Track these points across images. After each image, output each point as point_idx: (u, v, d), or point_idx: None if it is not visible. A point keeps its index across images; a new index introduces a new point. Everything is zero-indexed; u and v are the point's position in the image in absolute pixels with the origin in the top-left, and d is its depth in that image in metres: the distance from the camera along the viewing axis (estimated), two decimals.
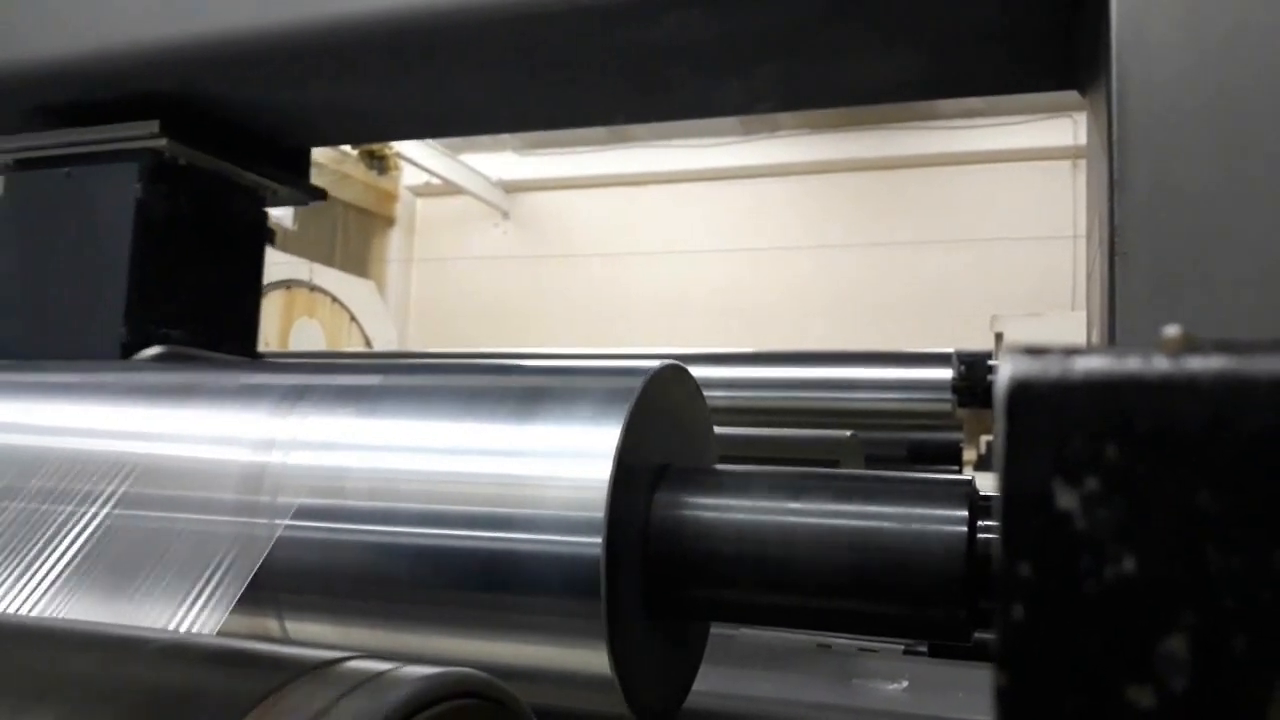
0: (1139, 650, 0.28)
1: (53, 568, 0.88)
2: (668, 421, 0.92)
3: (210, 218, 1.53)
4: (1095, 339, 1.18)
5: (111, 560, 0.91)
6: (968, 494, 0.81)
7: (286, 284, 6.74)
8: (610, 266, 9.38)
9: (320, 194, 1.72)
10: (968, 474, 3.70)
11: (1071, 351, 0.29)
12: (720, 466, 0.92)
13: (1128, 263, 1.04)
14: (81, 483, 0.96)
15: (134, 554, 0.91)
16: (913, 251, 8.87)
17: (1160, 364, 0.28)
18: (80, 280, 1.43)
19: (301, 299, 6.95)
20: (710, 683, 1.03)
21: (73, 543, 0.92)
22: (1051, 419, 0.28)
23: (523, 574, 0.82)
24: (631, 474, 0.84)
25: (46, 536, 0.90)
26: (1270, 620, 0.26)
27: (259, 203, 1.64)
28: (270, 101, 1.53)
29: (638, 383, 0.87)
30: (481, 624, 0.84)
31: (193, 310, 1.50)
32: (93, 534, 0.93)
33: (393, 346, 7.11)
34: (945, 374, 3.26)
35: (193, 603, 0.85)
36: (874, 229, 9.07)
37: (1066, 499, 0.30)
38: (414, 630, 0.86)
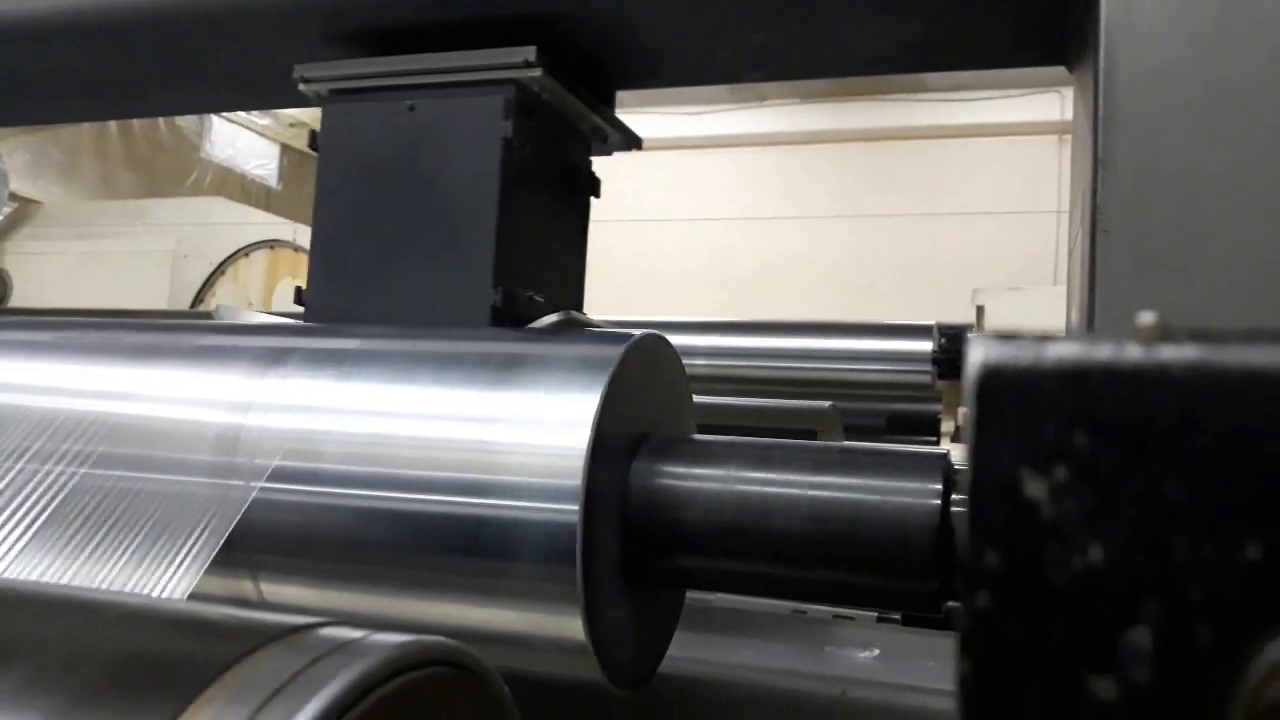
0: (1103, 641, 0.28)
1: (20, 526, 0.87)
2: (647, 390, 0.92)
3: (556, 164, 1.32)
4: (1075, 317, 1.18)
5: (82, 520, 0.90)
6: (942, 467, 0.82)
7: (270, 244, 6.68)
8: (593, 232, 9.30)
9: (638, 141, 1.49)
10: (945, 446, 3.74)
11: (1043, 337, 0.28)
12: (698, 436, 0.93)
13: (1110, 241, 1.04)
14: (52, 442, 0.95)
15: (105, 514, 0.90)
16: (897, 224, 8.87)
17: (1132, 352, 0.27)
18: (431, 235, 1.19)
19: (286, 259, 6.90)
20: (684, 648, 1.04)
21: (41, 501, 0.91)
22: (1021, 406, 0.28)
23: (499, 540, 0.82)
24: (610, 442, 0.84)
25: (14, 495, 0.90)
26: (1235, 613, 0.26)
27: (588, 149, 1.43)
28: (649, 33, 1.33)
29: (617, 351, 0.86)
30: (458, 589, 0.84)
31: (546, 270, 1.28)
32: (62, 493, 0.92)
33: None
34: (926, 346, 3.28)
35: (166, 563, 0.84)
36: (860, 200, 9.05)
37: (1034, 487, 0.29)
38: (390, 594, 0.86)
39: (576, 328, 1.16)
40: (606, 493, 0.84)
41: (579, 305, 1.37)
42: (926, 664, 1.15)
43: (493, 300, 1.12)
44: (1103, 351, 0.27)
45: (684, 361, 2.97)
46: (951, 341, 3.27)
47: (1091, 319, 1.05)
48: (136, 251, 5.96)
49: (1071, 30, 1.29)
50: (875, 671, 1.14)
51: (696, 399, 1.84)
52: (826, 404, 1.69)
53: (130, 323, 1.11)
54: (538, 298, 1.19)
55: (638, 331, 0.90)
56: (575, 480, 0.80)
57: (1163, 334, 0.27)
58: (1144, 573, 0.27)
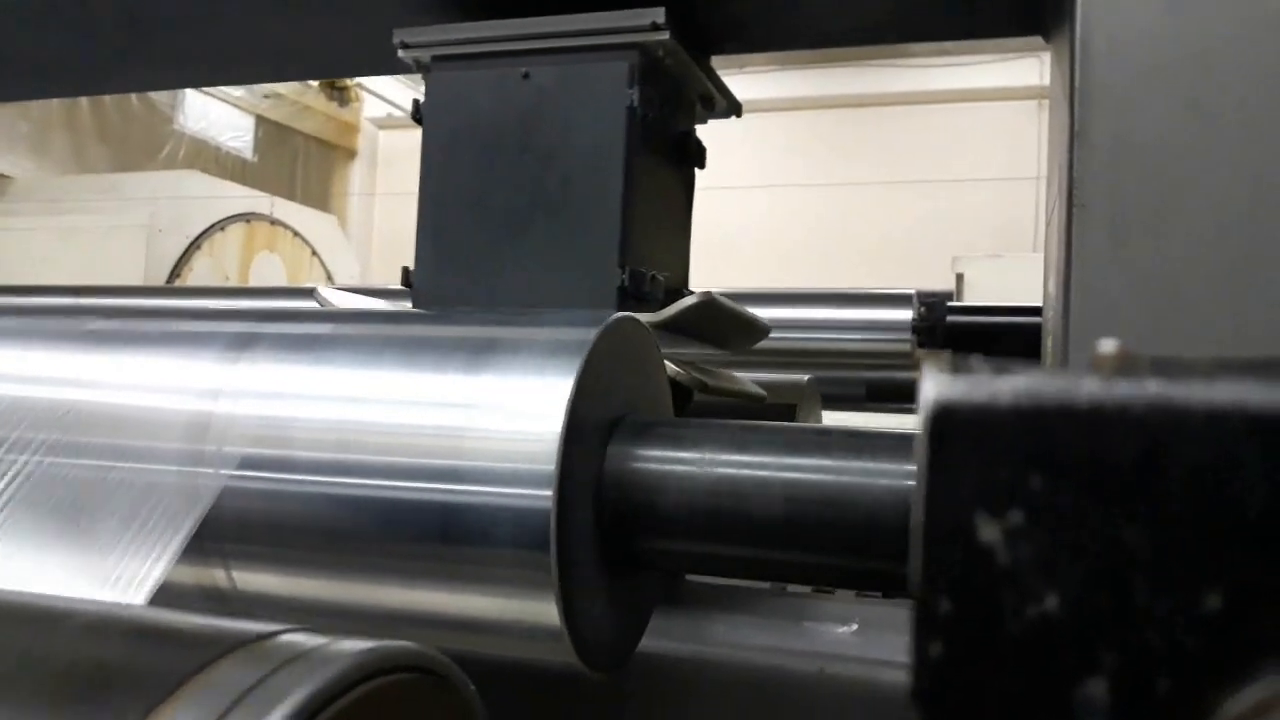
0: (1059, 692, 0.27)
1: None
2: (622, 372, 0.91)
3: (672, 133, 1.25)
4: (1052, 289, 1.18)
5: (49, 510, 0.89)
6: None
7: (246, 217, 6.63)
8: None
9: (739, 108, 1.42)
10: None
11: (999, 370, 0.27)
12: (673, 419, 0.92)
13: (1086, 214, 1.04)
14: (16, 429, 0.94)
15: (72, 503, 0.89)
16: (877, 191, 8.86)
17: (1091, 388, 0.26)
18: (550, 212, 1.12)
19: (262, 233, 6.85)
20: (659, 624, 1.04)
21: (4, 492, 0.90)
22: (975, 447, 0.26)
23: (473, 526, 0.81)
24: (584, 426, 0.84)
25: None
26: (1196, 664, 0.25)
27: (695, 116, 1.36)
28: None
29: (591, 334, 0.86)
30: (432, 576, 0.84)
31: (662, 246, 1.22)
32: (27, 482, 0.91)
33: (355, 282, 7.04)
34: (905, 315, 3.28)
35: (136, 554, 0.83)
36: (837, 168, 9.04)
37: (989, 532, 0.28)
38: (363, 582, 0.86)
39: (715, 309, 1.12)
40: (581, 477, 0.84)
41: (687, 280, 1.34)
42: (905, 638, 1.16)
43: (620, 281, 1.08)
44: (1060, 388, 0.25)
45: None
46: (931, 310, 3.28)
47: (1068, 292, 1.05)
48: (110, 226, 5.91)
49: (1048, 1, 1.28)
50: (854, 647, 1.15)
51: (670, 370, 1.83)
52: (805, 378, 1.69)
53: (98, 307, 1.09)
54: (659, 276, 1.15)
55: (612, 314, 0.89)
56: (549, 465, 0.80)
57: (1124, 365, 0.26)
58: (1102, 622, 0.26)
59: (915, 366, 3.52)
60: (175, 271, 6.01)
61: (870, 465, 0.81)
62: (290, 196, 8.12)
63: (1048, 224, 1.31)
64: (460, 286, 1.14)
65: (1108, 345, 0.28)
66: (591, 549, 0.85)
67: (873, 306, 3.43)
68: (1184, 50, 1.03)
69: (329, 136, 10.20)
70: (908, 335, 3.24)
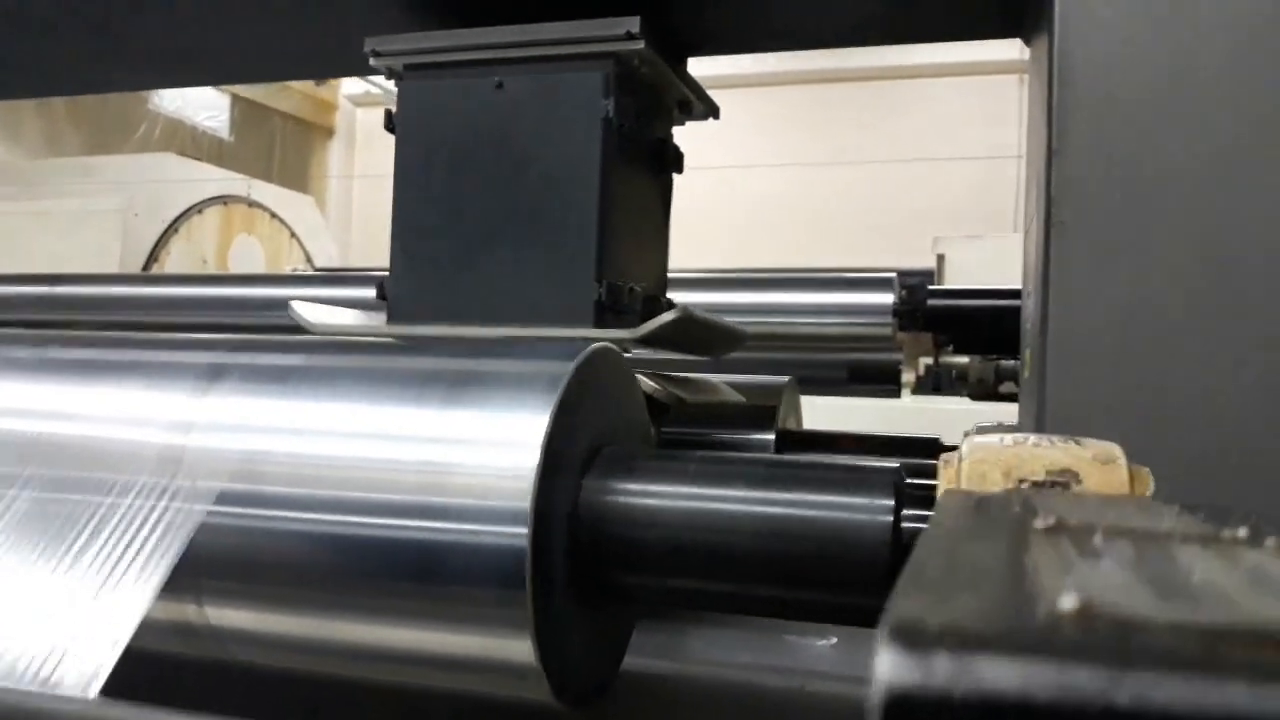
0: None
1: None
2: (598, 402, 0.90)
3: (648, 141, 1.23)
4: (1031, 308, 1.18)
5: (23, 547, 0.88)
6: (894, 482, 0.81)
7: (223, 200, 6.58)
8: None
9: (717, 110, 1.40)
10: (906, 395, 3.76)
11: (963, 639, 0.25)
12: (650, 450, 0.91)
13: (1064, 232, 1.03)
14: None
15: (47, 541, 0.88)
16: (854, 170, 8.83)
17: (1061, 681, 0.23)
18: (525, 225, 1.10)
19: (240, 215, 6.80)
20: (642, 641, 1.04)
21: None
22: None
23: (447, 564, 0.81)
24: (560, 460, 0.83)
25: None
26: None
27: (672, 122, 1.35)
28: None
29: (567, 367, 0.85)
30: (405, 613, 0.83)
31: (639, 255, 1.21)
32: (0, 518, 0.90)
33: (335, 264, 6.99)
34: (887, 299, 3.28)
35: (115, 592, 0.83)
36: (815, 145, 9.00)
37: None
38: (337, 619, 0.85)
39: (691, 323, 1.11)
40: (556, 512, 0.83)
41: (664, 289, 1.34)
42: None
43: (597, 295, 1.07)
44: (1021, 679, 0.23)
45: None
46: (913, 293, 3.28)
47: (1046, 308, 1.05)
48: (85, 211, 5.85)
49: (1028, 7, 1.27)
50: (834, 662, 1.15)
51: (647, 376, 1.82)
52: (784, 379, 1.68)
53: (68, 336, 1.08)
54: (636, 288, 1.14)
55: (589, 345, 0.88)
56: (524, 502, 0.79)
57: (1085, 624, 0.25)
58: None
59: (898, 348, 3.54)
60: (152, 256, 5.95)
61: (847, 500, 0.80)
62: (268, 177, 8.05)
63: (1025, 234, 1.31)
64: (434, 300, 1.12)
65: (1069, 601, 0.26)
66: (568, 584, 0.84)
67: (854, 291, 3.43)
68: (1165, 66, 1.03)
69: (306, 115, 10.10)
70: (889, 319, 3.24)
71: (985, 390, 3.82)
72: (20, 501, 0.91)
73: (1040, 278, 1.07)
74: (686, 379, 1.50)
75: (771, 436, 1.54)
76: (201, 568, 0.87)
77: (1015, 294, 3.22)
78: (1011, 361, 3.65)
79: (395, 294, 1.14)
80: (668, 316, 1.07)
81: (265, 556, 0.86)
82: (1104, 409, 1.00)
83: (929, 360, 4.24)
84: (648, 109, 1.22)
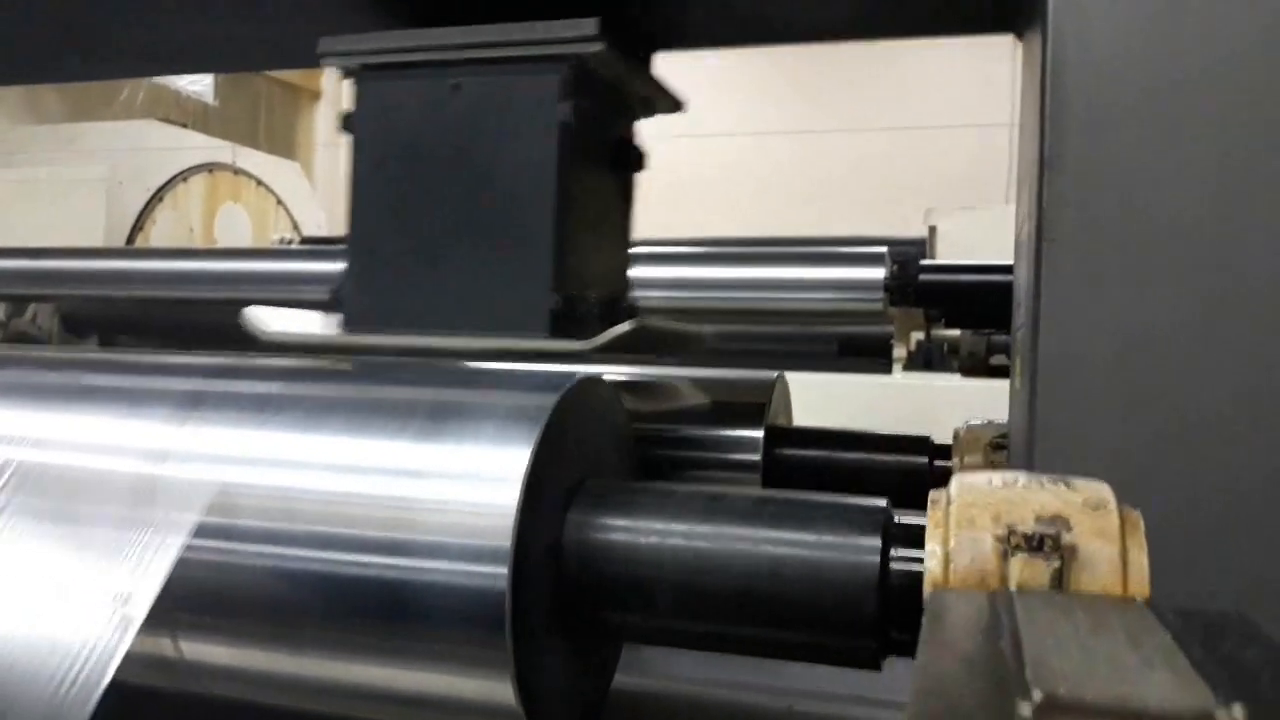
0: None
1: None
2: (583, 435, 0.89)
3: (608, 141, 1.21)
4: (1023, 318, 1.16)
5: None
6: (882, 521, 0.80)
7: (209, 167, 6.52)
8: None
9: (681, 104, 1.37)
10: (897, 371, 3.75)
11: None
12: (634, 484, 0.90)
13: (1055, 249, 1.01)
14: None
15: (24, 570, 0.87)
16: (848, 137, 8.76)
17: None
18: (480, 231, 1.08)
19: (225, 183, 6.74)
20: (629, 660, 1.02)
21: None
22: None
23: (425, 603, 0.79)
24: (542, 495, 0.81)
25: None
26: None
27: (634, 120, 1.32)
28: None
29: (550, 400, 0.83)
30: (382, 652, 0.82)
31: (598, 258, 1.18)
32: None
33: (322, 232, 6.94)
34: (878, 274, 3.26)
35: (97, 626, 0.81)
36: (808, 112, 8.91)
37: None
38: (313, 656, 0.84)
39: (647, 332, 1.10)
40: (538, 549, 0.82)
41: (625, 289, 1.32)
42: (875, 674, 1.15)
43: (552, 304, 1.05)
44: None
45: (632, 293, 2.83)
46: (904, 268, 3.26)
47: (1037, 324, 1.03)
48: (69, 179, 5.79)
49: (1020, 3, 1.24)
50: (823, 681, 1.14)
51: (637, 370, 1.80)
52: (774, 374, 1.66)
53: (45, 358, 1.06)
54: (593, 294, 1.12)
55: (574, 375, 0.86)
56: (504, 541, 0.77)
57: None
58: None
59: (889, 321, 3.53)
60: (138, 225, 5.90)
61: (835, 539, 0.79)
62: (254, 143, 7.96)
63: (1017, 244, 1.29)
64: (389, 307, 1.11)
65: (1024, 710, 0.24)
66: (549, 622, 0.83)
67: (844, 265, 3.41)
68: (1163, 77, 1.00)
69: (292, 77, 9.98)
70: (880, 294, 3.23)
71: (976, 363, 3.81)
72: None
73: (1032, 292, 1.05)
74: (656, 386, 1.49)
75: (760, 434, 1.53)
76: (176, 602, 0.85)
77: (1007, 269, 3.21)
78: (1003, 336, 3.64)
79: (350, 300, 1.12)
80: (624, 327, 1.05)
81: (241, 591, 0.85)
82: (1095, 431, 0.98)
83: (920, 335, 4.23)
84: (607, 110, 1.19)
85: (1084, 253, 0.99)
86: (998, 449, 1.54)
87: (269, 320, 1.15)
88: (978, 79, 8.42)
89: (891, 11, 1.40)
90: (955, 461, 1.54)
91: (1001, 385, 2.55)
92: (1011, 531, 0.69)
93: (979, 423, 1.60)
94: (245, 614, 0.85)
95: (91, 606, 0.83)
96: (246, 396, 0.90)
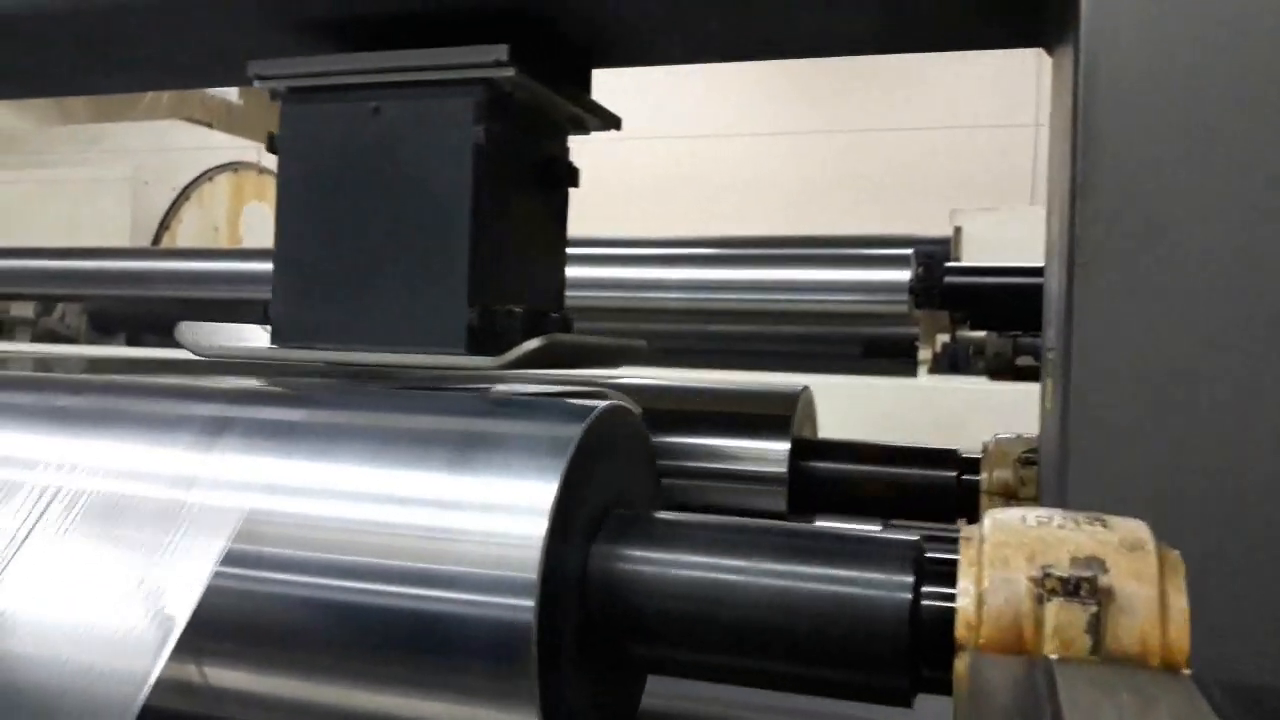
0: None
1: None
2: (609, 464, 0.88)
3: (532, 161, 1.24)
4: (1055, 340, 1.14)
5: (19, 604, 0.86)
6: (914, 557, 0.78)
7: (234, 166, 6.55)
8: None
9: (617, 120, 1.40)
10: (922, 374, 3.72)
11: None
12: (661, 515, 0.89)
13: (1088, 275, 0.99)
14: None
15: (47, 596, 0.87)
16: (869, 136, 8.70)
17: None
18: (400, 250, 1.12)
19: (250, 182, 6.78)
20: (655, 680, 1.01)
21: None
22: None
23: (449, 635, 0.79)
24: (568, 526, 0.81)
25: None
26: None
27: (566, 138, 1.35)
28: (630, 14, 1.24)
29: (577, 430, 0.82)
30: (407, 683, 0.81)
31: (525, 274, 1.22)
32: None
33: None
34: (903, 276, 3.23)
35: (128, 651, 0.81)
36: (828, 113, 8.86)
37: None
38: (337, 685, 0.83)
39: (562, 347, 1.11)
40: (564, 581, 0.81)
41: (560, 303, 1.33)
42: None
43: (469, 320, 1.08)
44: None
45: (652, 295, 2.93)
46: (929, 270, 3.24)
47: (1068, 353, 1.01)
48: (95, 179, 5.84)
49: (1050, 15, 1.22)
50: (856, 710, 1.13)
51: (662, 378, 1.80)
52: (801, 385, 1.65)
53: (70, 382, 1.06)
54: (515, 309, 1.14)
55: (599, 405, 0.86)
56: (530, 573, 0.77)
57: None
58: None
59: (914, 322, 3.50)
60: (164, 224, 5.94)
61: (866, 574, 0.78)
62: None
63: (1047, 261, 1.27)
64: (316, 322, 1.14)
65: None
66: (575, 654, 0.82)
67: (869, 267, 3.38)
68: (1199, 96, 0.98)
69: None
70: (904, 296, 3.21)
71: (1002, 364, 3.78)
72: (14, 555, 0.89)
73: (1064, 315, 1.03)
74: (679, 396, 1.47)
75: (786, 447, 1.52)
76: (202, 629, 0.85)
77: (1033, 271, 3.18)
78: (1029, 338, 3.61)
79: (278, 315, 1.16)
80: (534, 343, 1.05)
81: (266, 619, 0.84)
82: (1132, 459, 0.97)
83: (946, 338, 4.20)
84: (531, 130, 1.22)
85: (1118, 277, 0.98)
86: (1027, 464, 1.52)
87: (202, 338, 1.17)
88: (1001, 79, 8.35)
89: (914, 26, 1.38)
90: (984, 477, 1.52)
91: (1028, 389, 2.53)
92: (1047, 574, 0.68)
93: (1008, 436, 1.58)
94: (270, 641, 0.85)
95: (121, 633, 0.83)
96: (269, 422, 0.90)
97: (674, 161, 8.88)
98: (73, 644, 0.83)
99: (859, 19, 1.33)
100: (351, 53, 1.16)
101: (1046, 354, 1.23)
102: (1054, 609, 0.67)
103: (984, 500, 1.51)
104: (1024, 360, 3.66)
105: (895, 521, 1.68)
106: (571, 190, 1.33)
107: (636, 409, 0.97)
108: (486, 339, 1.10)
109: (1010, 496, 1.51)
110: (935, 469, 1.61)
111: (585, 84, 1.36)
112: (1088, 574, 0.68)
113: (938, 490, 1.58)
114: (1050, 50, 1.31)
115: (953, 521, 1.60)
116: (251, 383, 0.98)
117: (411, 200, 1.12)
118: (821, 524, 0.92)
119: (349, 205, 1.14)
